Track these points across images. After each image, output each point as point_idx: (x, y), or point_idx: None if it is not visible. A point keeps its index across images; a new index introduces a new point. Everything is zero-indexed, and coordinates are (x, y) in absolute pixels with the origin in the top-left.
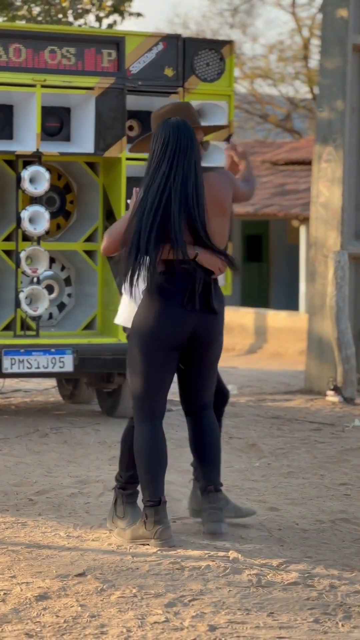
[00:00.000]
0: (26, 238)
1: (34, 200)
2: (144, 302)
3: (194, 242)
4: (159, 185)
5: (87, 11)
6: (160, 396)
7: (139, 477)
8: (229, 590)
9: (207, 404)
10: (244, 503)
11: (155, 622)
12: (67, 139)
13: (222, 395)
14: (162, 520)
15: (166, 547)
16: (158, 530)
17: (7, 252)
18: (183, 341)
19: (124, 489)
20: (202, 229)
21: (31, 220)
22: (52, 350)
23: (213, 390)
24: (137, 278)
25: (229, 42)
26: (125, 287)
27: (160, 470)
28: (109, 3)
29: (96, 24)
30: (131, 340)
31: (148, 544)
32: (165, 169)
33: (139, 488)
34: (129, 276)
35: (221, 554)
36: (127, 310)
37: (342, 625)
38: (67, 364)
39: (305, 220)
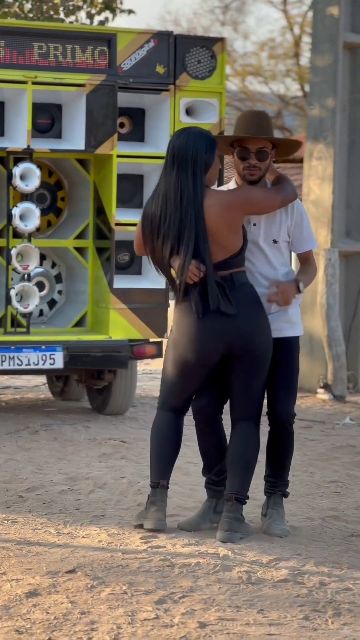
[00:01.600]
0: (17, 235)
1: (24, 197)
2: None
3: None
4: (159, 196)
5: (79, 8)
6: (182, 390)
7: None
8: (219, 587)
9: (245, 417)
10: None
11: (145, 619)
12: (58, 135)
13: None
14: (156, 502)
15: (156, 529)
16: (151, 510)
17: None
18: (208, 348)
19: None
20: (190, 244)
21: (22, 217)
22: (43, 347)
23: (255, 404)
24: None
25: (221, 40)
26: None
27: (164, 456)
28: (101, 0)
29: (87, 21)
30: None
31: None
32: (170, 182)
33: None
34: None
35: (211, 551)
36: None
37: (332, 623)
38: (57, 360)
39: None
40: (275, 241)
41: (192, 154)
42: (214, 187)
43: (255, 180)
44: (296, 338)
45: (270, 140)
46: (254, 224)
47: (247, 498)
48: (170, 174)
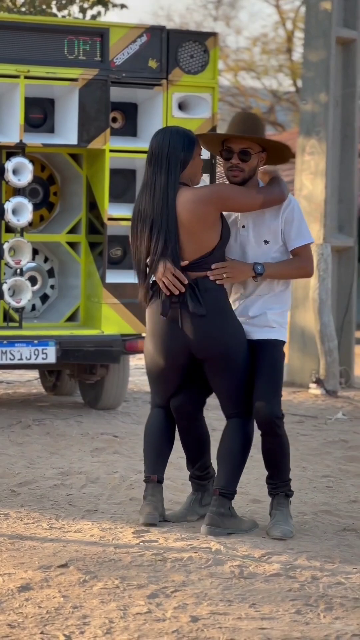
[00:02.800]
0: (9, 229)
1: (17, 191)
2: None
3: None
4: (140, 194)
5: (71, 2)
6: (164, 389)
7: None
8: (211, 582)
9: (232, 414)
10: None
11: (137, 613)
12: (51, 130)
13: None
14: (147, 497)
15: (146, 523)
16: (142, 504)
17: None
18: (172, 350)
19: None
20: (161, 242)
21: (14, 212)
22: (35, 341)
23: (238, 401)
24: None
25: (213, 34)
26: None
27: (153, 451)
28: None
29: (80, 15)
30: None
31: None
32: (146, 178)
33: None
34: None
35: (203, 545)
36: None
37: (324, 617)
38: (49, 355)
39: None
40: (266, 242)
41: (168, 152)
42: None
43: (238, 181)
44: (278, 342)
45: (256, 142)
46: (243, 226)
47: (233, 493)
48: (148, 172)
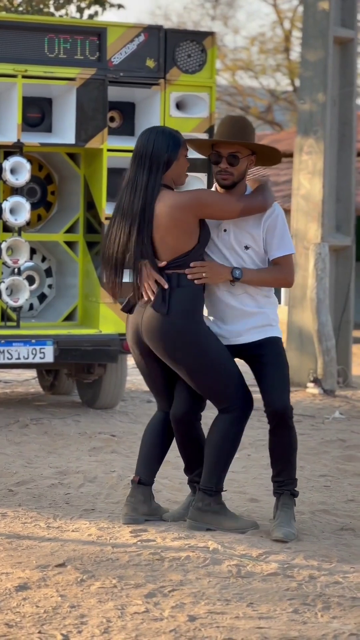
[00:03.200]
0: (7, 229)
1: (15, 191)
2: None
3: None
4: (121, 191)
5: (69, 2)
6: (155, 390)
7: None
8: (209, 581)
9: (219, 410)
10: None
11: (135, 613)
12: (49, 129)
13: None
14: (127, 498)
15: (124, 523)
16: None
17: None
18: (141, 343)
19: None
20: (138, 241)
21: (12, 211)
22: (33, 341)
23: (217, 398)
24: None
25: (211, 34)
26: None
27: (144, 452)
28: None
29: (77, 15)
30: None
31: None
32: (128, 177)
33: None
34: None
35: (201, 544)
36: None
37: (321, 616)
38: (47, 354)
39: (286, 212)
40: (247, 247)
41: (152, 151)
42: (184, 187)
43: (227, 185)
44: (278, 339)
45: (244, 146)
46: (225, 230)
47: (211, 489)
48: (131, 170)
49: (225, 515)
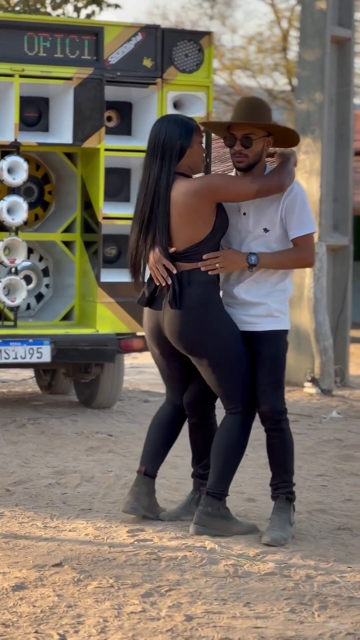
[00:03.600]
0: (4, 228)
1: (12, 190)
2: None
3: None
4: (140, 184)
5: (66, 1)
6: (168, 383)
7: None
8: (206, 581)
9: (227, 410)
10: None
11: (132, 612)
12: (46, 129)
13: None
14: (132, 487)
15: (124, 511)
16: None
17: None
18: (161, 338)
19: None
20: (154, 232)
21: (9, 211)
22: (30, 340)
23: (229, 398)
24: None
25: (208, 33)
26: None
27: (149, 444)
28: None
29: (74, 14)
30: None
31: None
32: (146, 167)
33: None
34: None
35: (198, 544)
36: None
37: (318, 616)
38: (44, 354)
39: None
40: (266, 230)
41: (164, 140)
42: (200, 174)
43: (243, 167)
44: (280, 332)
45: (256, 126)
46: (244, 213)
47: (221, 493)
48: (145, 161)
49: (231, 520)
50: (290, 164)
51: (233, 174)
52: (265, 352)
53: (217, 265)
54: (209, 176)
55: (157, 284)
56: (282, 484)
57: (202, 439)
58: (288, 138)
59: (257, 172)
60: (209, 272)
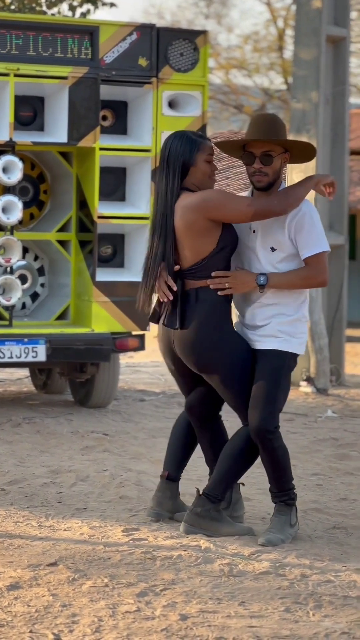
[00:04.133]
0: None
1: (7, 189)
2: None
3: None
4: (155, 197)
5: (61, 0)
6: (185, 392)
7: None
8: (201, 580)
9: (243, 423)
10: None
11: (126, 612)
12: (41, 128)
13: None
14: (155, 492)
15: (148, 517)
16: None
17: None
18: (172, 355)
19: None
20: (157, 250)
21: (4, 210)
22: (25, 340)
23: (240, 410)
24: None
25: (203, 32)
26: None
27: (171, 448)
28: None
29: (69, 13)
30: None
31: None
32: (158, 180)
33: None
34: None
35: (193, 543)
36: None
37: (313, 615)
38: (40, 353)
39: None
40: (273, 249)
41: (168, 156)
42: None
43: (263, 186)
44: (281, 352)
45: (278, 144)
46: (254, 231)
47: (216, 497)
48: (157, 174)
49: (222, 522)
50: (301, 187)
51: (247, 193)
52: (260, 368)
53: (226, 284)
54: (207, 191)
55: (162, 300)
56: (279, 493)
57: (206, 441)
58: (305, 153)
59: (275, 191)
60: (219, 292)
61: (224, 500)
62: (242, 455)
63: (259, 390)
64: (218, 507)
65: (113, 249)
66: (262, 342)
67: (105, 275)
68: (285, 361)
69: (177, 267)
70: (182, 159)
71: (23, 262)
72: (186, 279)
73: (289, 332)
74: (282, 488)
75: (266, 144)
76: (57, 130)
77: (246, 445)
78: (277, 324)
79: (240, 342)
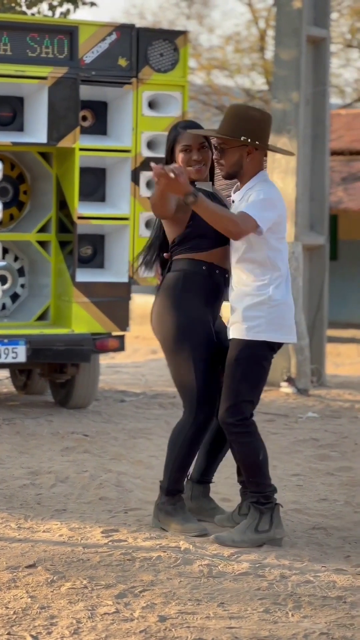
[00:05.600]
0: None
1: None
2: None
3: None
4: None
5: (41, 0)
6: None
7: None
8: (180, 581)
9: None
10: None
11: (105, 613)
12: (20, 128)
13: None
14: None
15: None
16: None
17: None
18: None
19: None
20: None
21: None
22: (5, 340)
23: (181, 394)
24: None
25: (183, 33)
26: None
27: (199, 453)
28: None
29: (49, 13)
30: None
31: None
32: None
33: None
34: None
35: (172, 544)
36: None
37: (292, 615)
38: (20, 354)
39: None
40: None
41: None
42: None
43: (223, 176)
44: (239, 341)
45: (209, 136)
46: (233, 201)
47: (165, 488)
48: None
49: (174, 517)
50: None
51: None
52: (226, 360)
53: (159, 176)
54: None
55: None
56: (249, 491)
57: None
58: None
59: (242, 180)
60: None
61: (181, 492)
62: (177, 445)
63: (224, 383)
64: (171, 500)
65: (93, 250)
66: (230, 331)
67: (85, 275)
68: (244, 351)
69: (167, 255)
70: (167, 149)
71: (3, 263)
72: (173, 253)
73: (252, 317)
74: (251, 486)
75: (215, 138)
76: (36, 130)
77: (180, 434)
78: (243, 308)
79: (193, 321)
